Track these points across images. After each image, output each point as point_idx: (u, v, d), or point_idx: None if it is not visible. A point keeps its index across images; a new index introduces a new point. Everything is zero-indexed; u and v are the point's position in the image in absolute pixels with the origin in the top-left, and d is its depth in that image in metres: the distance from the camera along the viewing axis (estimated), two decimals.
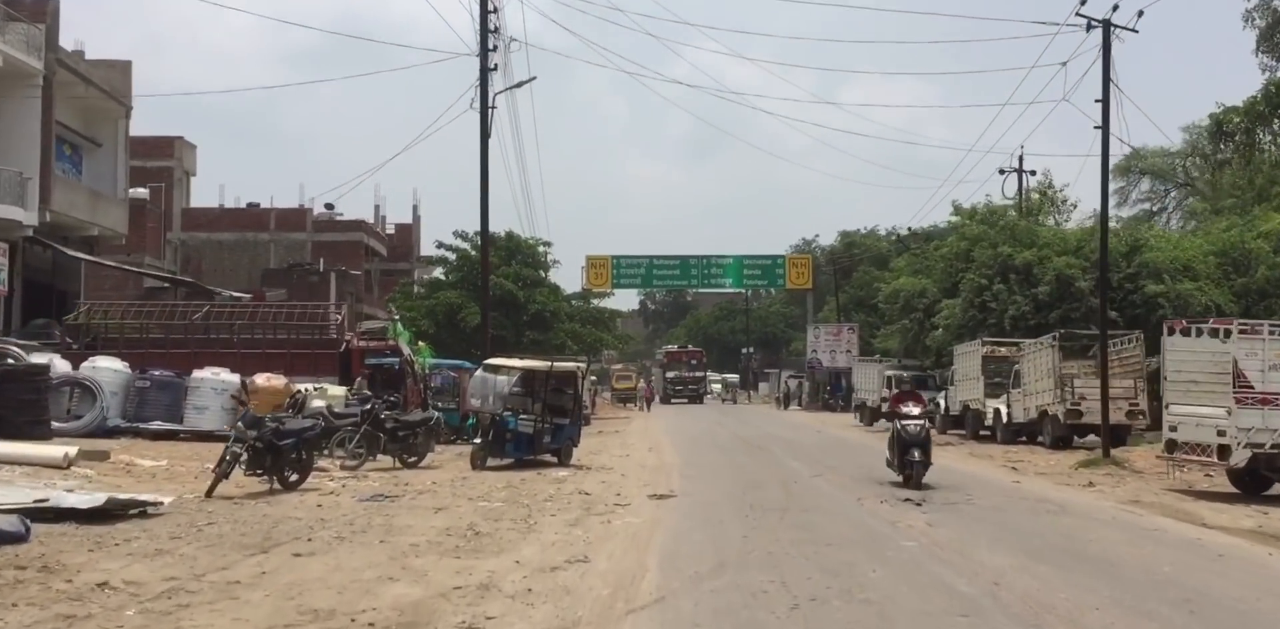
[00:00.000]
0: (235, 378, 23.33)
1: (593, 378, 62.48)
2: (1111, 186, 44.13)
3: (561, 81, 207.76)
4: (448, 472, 19.67)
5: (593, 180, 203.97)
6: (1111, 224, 33.29)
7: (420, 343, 28.19)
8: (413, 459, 19.87)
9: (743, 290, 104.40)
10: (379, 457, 19.60)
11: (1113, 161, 39.55)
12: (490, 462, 20.34)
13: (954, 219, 43.69)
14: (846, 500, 16.06)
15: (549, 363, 22.18)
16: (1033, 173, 44.11)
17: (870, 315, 68.21)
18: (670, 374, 76.04)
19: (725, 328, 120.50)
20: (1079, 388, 26.23)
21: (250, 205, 62.06)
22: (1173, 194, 56.07)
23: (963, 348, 32.63)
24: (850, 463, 22.59)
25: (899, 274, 45.67)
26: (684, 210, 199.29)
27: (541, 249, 53.44)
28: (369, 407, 19.45)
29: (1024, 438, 29.29)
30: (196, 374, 23.91)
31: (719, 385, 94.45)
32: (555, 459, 21.48)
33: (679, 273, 67.28)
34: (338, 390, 23.24)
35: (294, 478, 15.94)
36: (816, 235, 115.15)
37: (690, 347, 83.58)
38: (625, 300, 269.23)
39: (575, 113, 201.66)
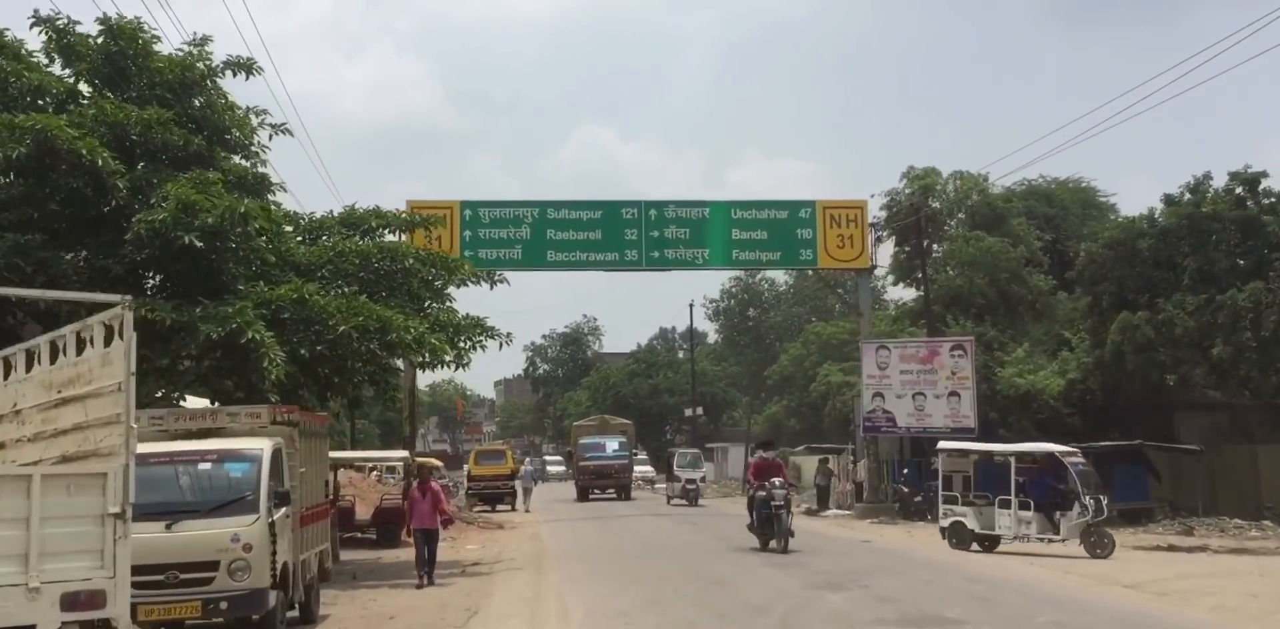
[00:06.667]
0: None
1: (399, 456, 27.24)
2: None
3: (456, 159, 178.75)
4: None
5: None
6: None
7: None
8: None
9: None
10: None
11: None
12: None
13: None
14: None
15: None
16: None
17: (982, 321, 34.37)
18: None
19: (644, 387, 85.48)
20: None
21: None
22: None
23: None
24: None
25: None
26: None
27: (231, 102, 18.99)
28: None
29: None
30: None
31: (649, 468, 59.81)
32: None
33: (602, 237, 32.66)
34: None
35: None
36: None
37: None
38: (495, 363, 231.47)
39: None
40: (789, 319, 78.46)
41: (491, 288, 20.73)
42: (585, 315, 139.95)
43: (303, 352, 16.01)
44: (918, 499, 31.12)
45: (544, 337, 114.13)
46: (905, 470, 33.25)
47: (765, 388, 74.39)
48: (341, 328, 15.98)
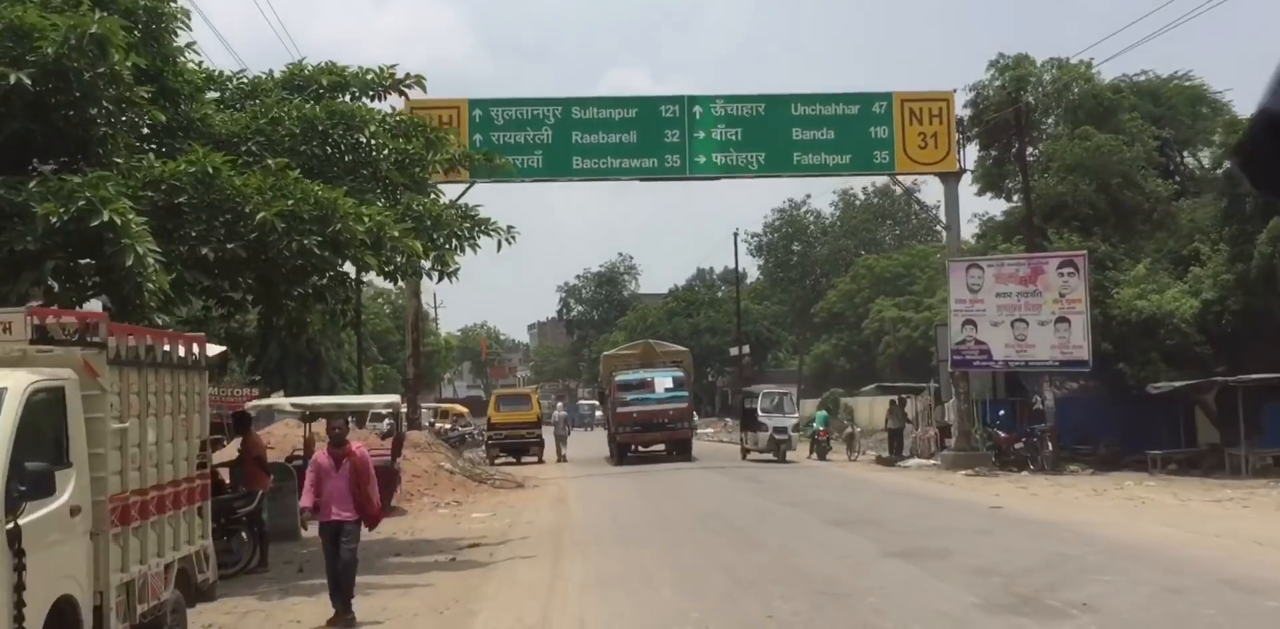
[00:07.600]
0: None
1: (385, 402, 22.05)
2: None
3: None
4: None
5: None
6: None
7: None
8: None
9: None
10: None
11: None
12: None
13: None
14: None
15: None
16: None
17: (1090, 234, 29.07)
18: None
19: (684, 327, 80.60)
20: None
21: None
22: None
23: None
24: None
25: None
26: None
27: None
28: None
29: None
30: None
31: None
32: None
33: (637, 140, 27.40)
34: None
35: None
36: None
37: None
38: (528, 306, 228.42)
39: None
40: (836, 252, 73.28)
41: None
42: (620, 254, 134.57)
43: (205, 251, 10.97)
44: (1018, 446, 26.15)
45: (578, 277, 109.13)
46: (1000, 412, 28.21)
47: (812, 326, 69.62)
48: (260, 215, 10.87)
